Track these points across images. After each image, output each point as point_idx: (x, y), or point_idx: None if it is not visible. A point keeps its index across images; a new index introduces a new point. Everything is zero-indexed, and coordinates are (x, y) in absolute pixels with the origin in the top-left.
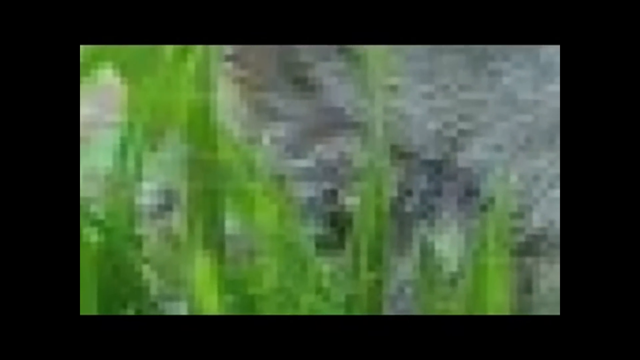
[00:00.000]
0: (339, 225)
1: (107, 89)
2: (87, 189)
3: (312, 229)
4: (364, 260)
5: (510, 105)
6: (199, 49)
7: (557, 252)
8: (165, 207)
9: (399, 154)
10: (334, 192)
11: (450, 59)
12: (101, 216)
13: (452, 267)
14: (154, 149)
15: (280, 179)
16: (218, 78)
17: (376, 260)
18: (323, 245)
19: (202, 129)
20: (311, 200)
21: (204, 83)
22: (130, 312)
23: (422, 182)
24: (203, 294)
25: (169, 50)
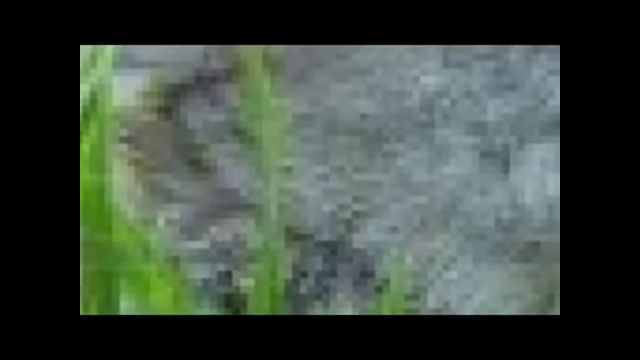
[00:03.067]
0: (233, 307)
1: None
2: None
3: (206, 311)
4: None
5: (405, 187)
6: (93, 129)
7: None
8: None
9: (294, 235)
10: (228, 274)
11: (344, 140)
12: None
13: None
14: None
15: (175, 260)
16: (113, 160)
17: None
18: None
19: (97, 210)
20: (206, 281)
21: (99, 165)
22: None
23: (317, 264)
24: None
25: None
